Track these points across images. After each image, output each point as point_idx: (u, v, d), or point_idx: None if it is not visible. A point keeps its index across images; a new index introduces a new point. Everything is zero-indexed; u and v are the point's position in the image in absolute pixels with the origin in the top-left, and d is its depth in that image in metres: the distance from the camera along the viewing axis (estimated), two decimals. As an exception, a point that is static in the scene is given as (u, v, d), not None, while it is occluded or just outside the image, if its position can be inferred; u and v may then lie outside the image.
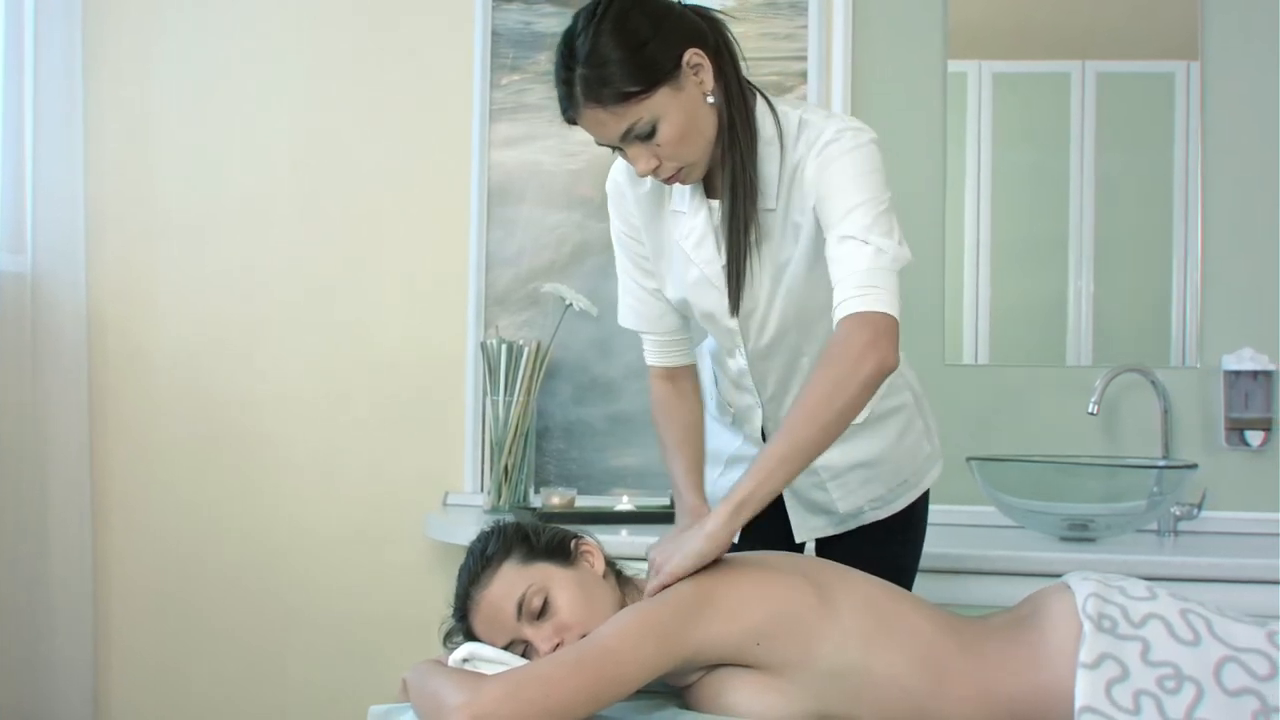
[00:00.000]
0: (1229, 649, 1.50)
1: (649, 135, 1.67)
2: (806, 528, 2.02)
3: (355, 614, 2.99)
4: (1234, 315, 2.79)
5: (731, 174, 1.73)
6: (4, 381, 2.79)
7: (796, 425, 1.62)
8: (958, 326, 2.89)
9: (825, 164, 1.71)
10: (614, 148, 1.72)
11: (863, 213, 1.68)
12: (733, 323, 1.84)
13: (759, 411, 1.96)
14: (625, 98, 1.64)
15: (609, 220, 1.95)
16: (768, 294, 1.82)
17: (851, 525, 2.01)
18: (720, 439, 2.06)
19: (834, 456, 1.92)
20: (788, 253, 1.79)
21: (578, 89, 1.65)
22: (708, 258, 1.80)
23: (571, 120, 1.70)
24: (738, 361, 1.91)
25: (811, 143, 1.74)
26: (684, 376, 1.97)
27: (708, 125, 1.71)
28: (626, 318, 1.99)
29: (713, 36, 1.72)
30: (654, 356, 1.97)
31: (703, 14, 1.74)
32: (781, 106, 1.79)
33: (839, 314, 1.65)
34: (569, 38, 1.67)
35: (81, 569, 2.96)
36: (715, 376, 2.04)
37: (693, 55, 1.67)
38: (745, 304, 1.83)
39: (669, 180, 1.74)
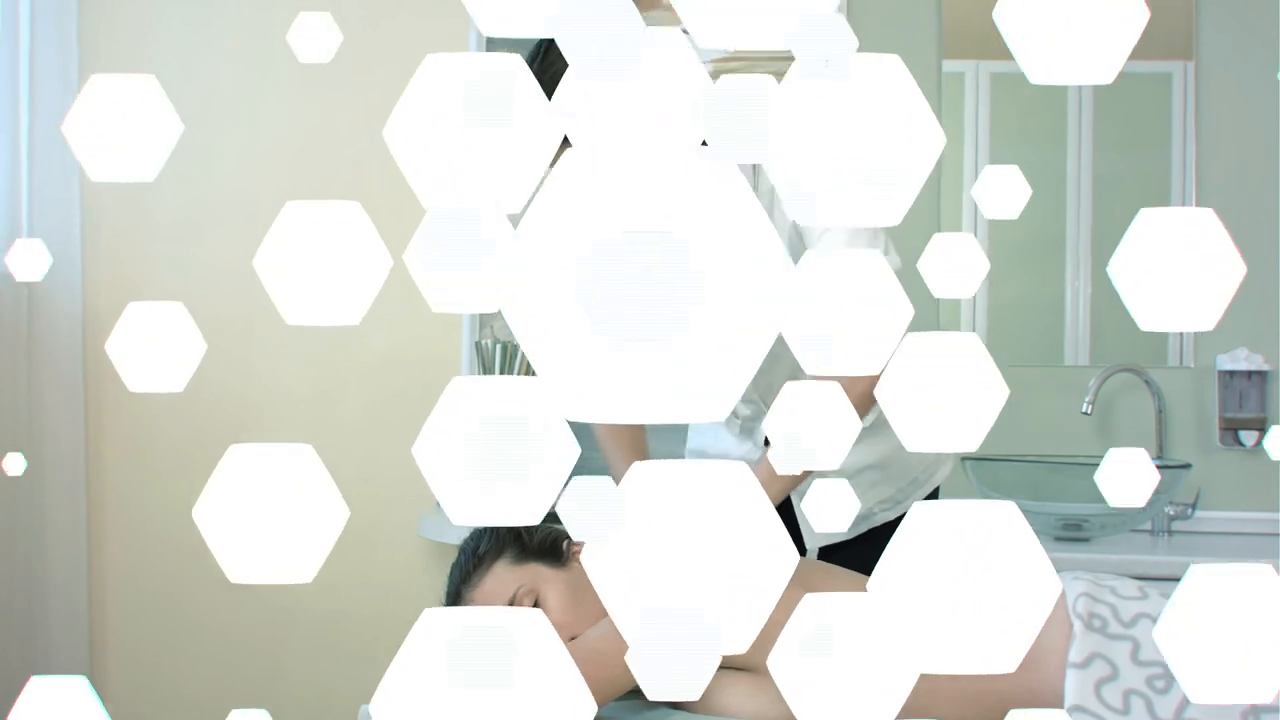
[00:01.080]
0: (1219, 649, 1.50)
1: None
2: (818, 534, 1.99)
3: (349, 613, 2.99)
4: (1229, 315, 2.74)
5: None
6: None
7: None
8: (954, 326, 2.88)
9: None
10: None
11: (840, 229, 1.67)
12: None
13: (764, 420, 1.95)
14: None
15: None
16: None
17: (862, 528, 1.99)
18: (724, 443, 2.06)
19: (844, 460, 1.91)
20: None
21: None
22: None
23: None
24: None
25: None
26: None
27: None
28: None
29: None
30: None
31: None
32: None
33: None
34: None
35: (76, 569, 2.95)
36: None
37: None
38: None
39: None
